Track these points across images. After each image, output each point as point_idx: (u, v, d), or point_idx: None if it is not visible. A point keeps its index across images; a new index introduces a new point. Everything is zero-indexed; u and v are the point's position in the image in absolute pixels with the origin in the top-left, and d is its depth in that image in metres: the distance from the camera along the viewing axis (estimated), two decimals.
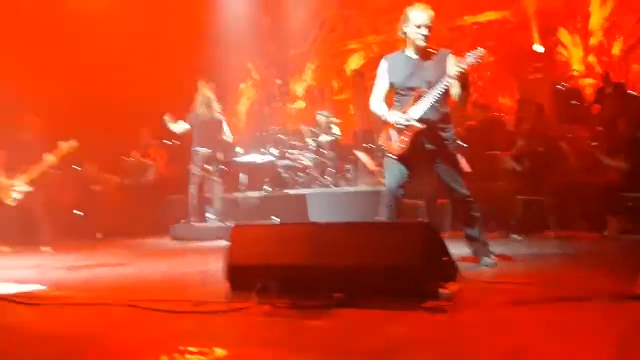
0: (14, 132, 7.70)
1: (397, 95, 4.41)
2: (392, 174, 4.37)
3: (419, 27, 4.19)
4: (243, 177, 9.43)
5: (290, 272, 3.32)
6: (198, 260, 5.95)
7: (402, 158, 4.32)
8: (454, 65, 4.14)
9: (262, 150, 9.82)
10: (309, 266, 3.31)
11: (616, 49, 9.58)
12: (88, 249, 7.50)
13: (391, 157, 4.38)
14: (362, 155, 8.73)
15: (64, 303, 3.43)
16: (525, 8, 10.06)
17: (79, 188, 9.67)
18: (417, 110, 4.22)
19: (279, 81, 11.47)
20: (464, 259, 4.39)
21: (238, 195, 9.04)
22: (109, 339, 2.64)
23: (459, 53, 4.26)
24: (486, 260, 4.34)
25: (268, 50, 12.35)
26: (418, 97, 4.23)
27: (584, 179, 6.40)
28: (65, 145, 7.48)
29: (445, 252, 3.29)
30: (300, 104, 12.71)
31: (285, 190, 9.06)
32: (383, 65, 4.45)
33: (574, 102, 8.44)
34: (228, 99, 12.43)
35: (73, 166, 9.50)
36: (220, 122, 8.27)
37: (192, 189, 8.26)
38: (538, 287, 3.43)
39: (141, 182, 9.80)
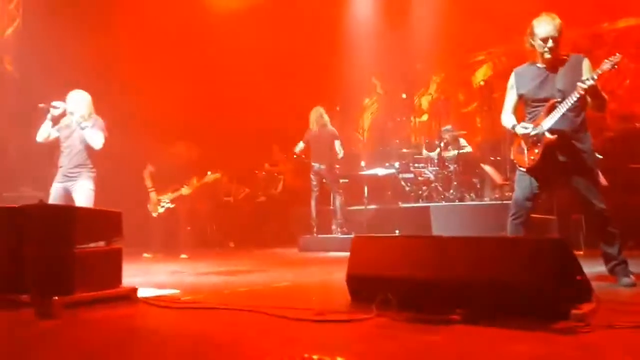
0: (166, 154, 8.41)
1: (529, 107, 4.31)
2: (521, 186, 4.26)
3: (544, 40, 4.06)
4: (366, 191, 9.50)
5: (411, 285, 3.29)
6: (322, 270, 6.08)
7: (533, 171, 4.18)
8: (588, 72, 3.96)
9: (386, 164, 9.85)
10: (431, 280, 3.26)
11: None
12: (220, 256, 7.92)
13: (521, 170, 4.25)
14: (488, 169, 8.48)
15: (197, 307, 3.65)
16: None
17: (214, 199, 10.29)
18: (549, 121, 4.06)
19: (404, 95, 11.44)
20: (599, 278, 4.13)
21: (361, 207, 9.12)
22: (237, 343, 2.77)
23: (596, 62, 4.05)
24: (625, 280, 4.06)
25: (393, 65, 12.37)
26: (551, 108, 4.09)
27: None
28: (212, 176, 8.22)
29: (579, 271, 3.10)
30: (425, 118, 12.60)
31: (409, 204, 9.00)
32: (512, 78, 4.41)
33: None
34: (352, 113, 12.63)
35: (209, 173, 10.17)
36: (332, 138, 8.48)
37: (312, 202, 8.58)
38: None
39: (270, 194, 10.24)
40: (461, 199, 8.78)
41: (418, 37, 12.09)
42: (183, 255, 7.76)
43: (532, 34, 4.15)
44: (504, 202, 7.20)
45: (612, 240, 4.14)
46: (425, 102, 12.71)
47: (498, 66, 11.45)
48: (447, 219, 7.95)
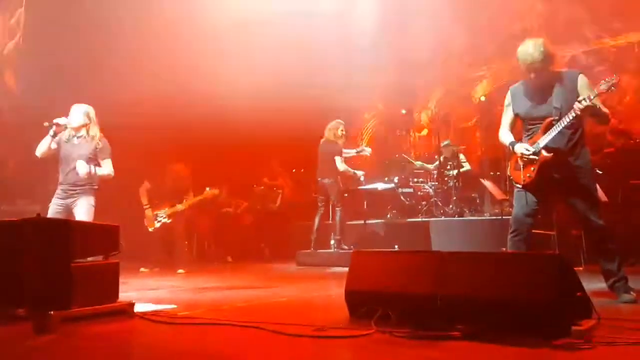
0: (164, 171, 8.40)
1: (527, 125, 4.32)
2: (520, 204, 4.26)
3: (528, 68, 4.07)
4: (365, 205, 9.50)
5: (410, 300, 3.27)
6: (321, 285, 6.05)
7: (530, 188, 4.18)
8: (584, 88, 3.97)
9: (386, 178, 9.85)
10: (430, 296, 3.24)
11: None
12: (218, 271, 7.89)
13: (518, 187, 4.26)
14: (488, 184, 8.47)
15: (194, 322, 3.62)
16: None
17: (212, 212, 10.29)
18: (545, 139, 4.07)
19: (403, 111, 11.47)
20: (600, 294, 4.10)
21: (361, 222, 9.10)
22: (235, 359, 2.74)
23: (597, 78, 4.05)
24: (625, 296, 4.03)
25: (393, 80, 12.41)
26: (548, 126, 4.10)
27: None
28: (210, 192, 8.21)
29: (579, 287, 3.09)
30: (425, 132, 12.62)
31: (408, 219, 8.99)
32: (508, 97, 4.43)
33: None
34: (353, 128, 12.66)
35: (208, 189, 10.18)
36: (332, 155, 8.48)
37: (316, 218, 8.56)
38: None
39: (269, 208, 10.25)
40: (461, 214, 8.77)
41: (419, 51, 12.16)
42: (180, 270, 7.73)
43: (519, 60, 4.15)
44: (504, 217, 7.19)
45: (611, 256, 4.12)
46: (425, 116, 12.74)
47: (498, 81, 11.48)
48: (446, 234, 7.94)
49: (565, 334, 2.81)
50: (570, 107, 3.97)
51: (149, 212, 8.18)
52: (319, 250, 8.62)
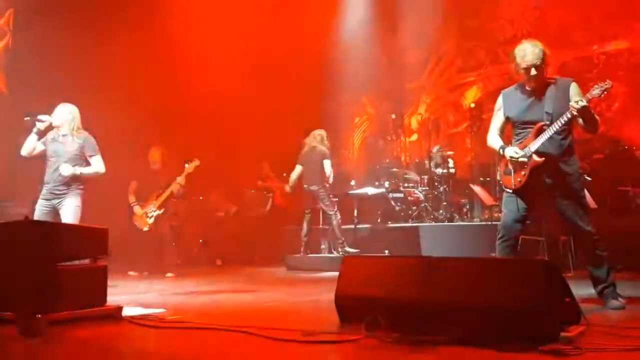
0: (143, 164, 8.33)
1: (517, 129, 4.32)
2: (509, 208, 4.25)
3: (527, 69, 4.09)
4: (355, 210, 9.48)
5: (400, 305, 3.27)
6: (310, 290, 6.03)
7: (520, 193, 4.19)
8: (576, 96, 3.98)
9: (376, 183, 9.85)
10: (420, 301, 3.24)
11: None
12: (207, 275, 7.85)
13: (508, 192, 4.26)
14: (478, 189, 8.49)
15: (183, 327, 3.60)
16: None
17: (202, 216, 10.24)
18: (536, 144, 4.08)
19: (393, 116, 11.48)
20: (588, 300, 4.12)
21: (351, 227, 9.09)
22: None
23: (587, 84, 4.07)
24: (613, 302, 4.04)
25: (383, 85, 12.44)
26: (539, 131, 4.11)
27: None
28: (191, 165, 8.02)
29: (568, 293, 3.10)
30: (415, 138, 12.65)
31: (398, 224, 8.99)
32: (500, 100, 4.42)
33: None
34: (343, 132, 12.66)
35: (200, 198, 10.21)
36: (321, 158, 8.46)
37: (304, 223, 8.55)
38: None
39: (259, 213, 10.22)
40: (451, 219, 8.78)
41: (409, 56, 12.21)
42: (169, 274, 7.68)
43: (514, 62, 4.16)
44: (494, 222, 7.21)
45: (600, 262, 4.13)
46: (414, 122, 12.77)
47: (488, 87, 11.54)
48: (436, 239, 7.94)
49: (554, 340, 2.82)
50: (562, 114, 3.98)
51: (138, 209, 8.05)
52: (309, 255, 8.62)
